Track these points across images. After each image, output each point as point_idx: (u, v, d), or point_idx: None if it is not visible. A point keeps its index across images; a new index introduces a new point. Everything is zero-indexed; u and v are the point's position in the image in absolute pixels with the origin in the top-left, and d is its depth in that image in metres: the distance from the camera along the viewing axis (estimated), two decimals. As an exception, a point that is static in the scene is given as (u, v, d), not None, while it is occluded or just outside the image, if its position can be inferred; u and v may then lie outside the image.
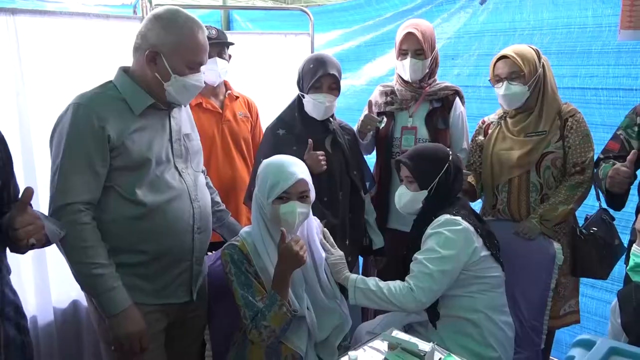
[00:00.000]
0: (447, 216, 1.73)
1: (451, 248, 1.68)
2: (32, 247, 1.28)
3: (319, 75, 1.96)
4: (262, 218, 1.67)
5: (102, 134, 1.49)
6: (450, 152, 1.85)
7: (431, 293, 1.69)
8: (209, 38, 2.32)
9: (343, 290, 1.84)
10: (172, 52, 1.54)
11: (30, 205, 1.41)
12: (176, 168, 1.64)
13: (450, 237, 1.69)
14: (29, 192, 1.25)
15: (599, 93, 2.37)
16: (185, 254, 1.65)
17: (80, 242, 1.47)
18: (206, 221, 1.72)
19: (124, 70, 1.63)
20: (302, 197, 1.63)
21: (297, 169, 1.64)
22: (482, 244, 1.76)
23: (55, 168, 1.50)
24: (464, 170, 1.94)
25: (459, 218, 1.73)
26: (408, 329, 1.90)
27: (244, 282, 1.61)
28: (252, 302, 1.59)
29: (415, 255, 1.74)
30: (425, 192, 1.80)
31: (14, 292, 1.41)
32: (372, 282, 1.72)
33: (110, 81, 1.61)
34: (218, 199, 2.01)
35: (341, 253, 1.79)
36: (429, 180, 1.80)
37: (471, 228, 1.73)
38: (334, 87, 2.01)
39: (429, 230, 1.74)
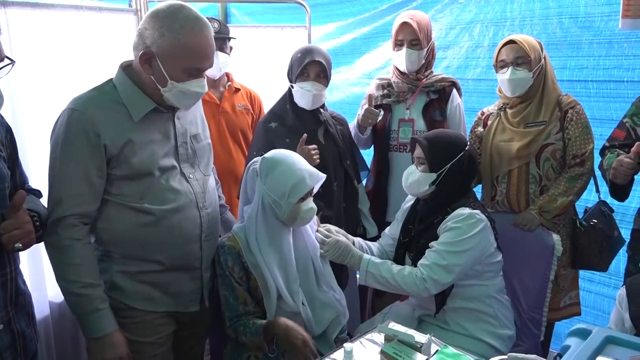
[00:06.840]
0: (468, 210, 1.71)
1: (470, 244, 1.67)
2: (18, 250, 1.27)
3: (306, 63, 1.95)
4: (264, 214, 1.64)
5: (97, 142, 1.39)
6: (469, 143, 1.80)
7: (442, 285, 1.70)
8: None
9: (341, 282, 1.83)
10: (167, 56, 1.39)
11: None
12: (182, 174, 1.55)
13: (470, 233, 1.67)
14: (21, 195, 1.23)
15: (589, 85, 2.32)
16: (194, 262, 1.60)
17: (67, 259, 1.40)
18: (214, 228, 1.65)
19: (125, 68, 1.49)
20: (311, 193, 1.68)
21: (312, 167, 1.67)
22: (494, 237, 1.76)
23: (51, 178, 1.42)
24: None
25: (478, 211, 1.72)
26: (420, 322, 1.89)
27: (227, 284, 1.64)
28: (232, 305, 1.63)
29: (432, 243, 1.72)
30: (433, 176, 1.75)
31: (24, 282, 1.41)
32: (385, 267, 1.72)
33: (110, 80, 1.49)
34: (220, 192, 1.96)
35: (334, 240, 1.75)
36: (440, 165, 1.75)
37: (488, 223, 1.72)
38: (322, 75, 1.99)
39: (450, 224, 1.71)
